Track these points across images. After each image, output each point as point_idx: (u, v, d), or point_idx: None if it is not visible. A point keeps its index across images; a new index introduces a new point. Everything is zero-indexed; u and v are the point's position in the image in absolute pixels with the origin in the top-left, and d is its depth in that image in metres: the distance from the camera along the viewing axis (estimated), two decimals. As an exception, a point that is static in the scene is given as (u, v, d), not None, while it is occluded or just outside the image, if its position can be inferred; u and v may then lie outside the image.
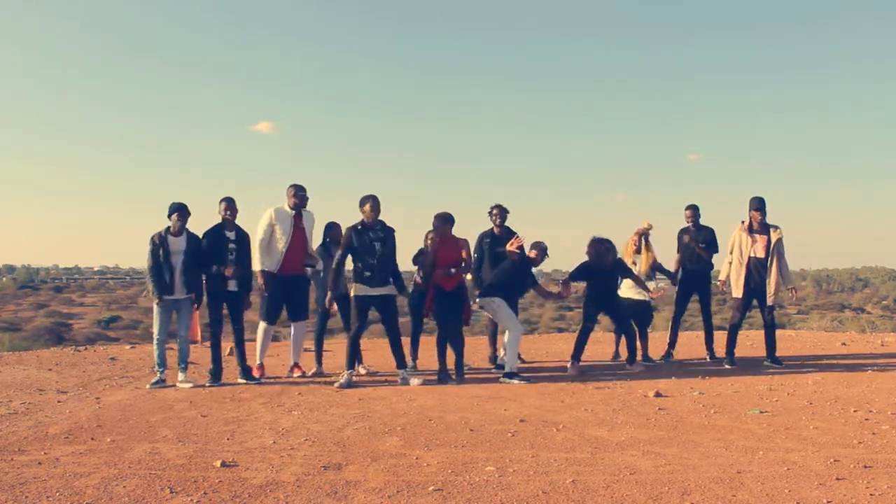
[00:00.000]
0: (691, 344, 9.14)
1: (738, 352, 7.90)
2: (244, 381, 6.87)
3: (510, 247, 6.97)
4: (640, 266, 7.80)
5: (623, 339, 7.80)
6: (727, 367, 7.55)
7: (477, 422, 5.06)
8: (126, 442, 4.57)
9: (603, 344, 9.45)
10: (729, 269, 7.71)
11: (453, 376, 6.86)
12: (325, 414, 5.39)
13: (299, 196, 7.09)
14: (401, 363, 6.83)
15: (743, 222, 7.61)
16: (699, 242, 8.01)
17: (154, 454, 4.26)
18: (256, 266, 6.95)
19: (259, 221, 7.04)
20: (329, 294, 6.75)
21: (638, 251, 7.84)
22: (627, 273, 7.53)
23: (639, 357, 7.67)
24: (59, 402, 5.95)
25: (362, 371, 7.50)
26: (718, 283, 8.05)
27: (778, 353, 7.78)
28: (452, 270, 6.79)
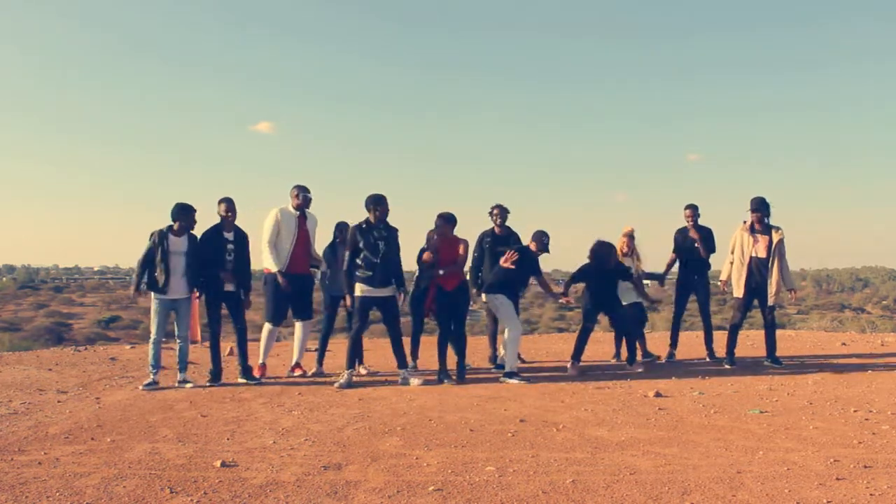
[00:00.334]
0: (691, 344, 9.14)
1: (738, 352, 7.90)
2: (244, 380, 6.87)
3: (504, 263, 6.98)
4: (633, 268, 7.82)
5: (623, 340, 7.82)
6: (727, 367, 7.55)
7: (477, 422, 5.06)
8: (126, 442, 4.57)
9: (603, 344, 9.45)
10: (730, 269, 7.71)
11: (454, 376, 6.86)
12: (326, 414, 5.39)
13: (302, 197, 7.13)
14: (402, 363, 6.83)
15: (745, 222, 7.61)
16: (696, 242, 8.01)
17: (154, 454, 4.26)
18: (272, 266, 6.99)
19: (265, 222, 7.09)
20: (347, 296, 6.69)
21: (626, 254, 7.85)
22: (628, 277, 7.54)
23: (639, 357, 7.68)
24: (59, 402, 5.95)
25: (362, 371, 7.50)
26: (720, 283, 8.05)
27: (778, 353, 7.79)
28: (441, 272, 6.79)
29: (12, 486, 3.67)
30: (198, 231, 6.80)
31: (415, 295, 7.26)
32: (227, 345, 8.65)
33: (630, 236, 7.92)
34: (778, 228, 7.48)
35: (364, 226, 6.64)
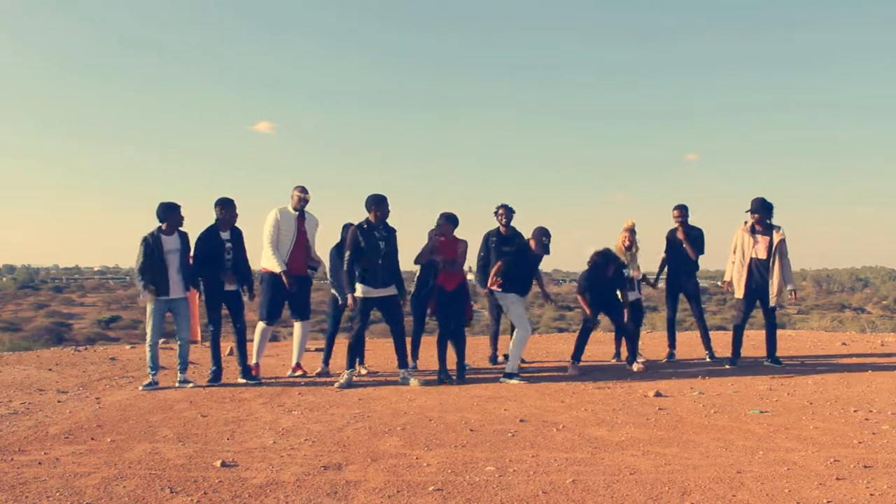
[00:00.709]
0: (691, 344, 9.14)
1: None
2: (244, 380, 6.87)
3: (492, 285, 7.02)
4: (631, 265, 7.83)
5: (623, 340, 7.83)
6: (728, 367, 7.55)
7: (477, 422, 5.06)
8: (126, 442, 4.57)
9: (603, 344, 9.46)
10: (732, 269, 7.71)
11: (454, 376, 6.87)
12: (326, 414, 5.39)
13: (298, 197, 7.18)
14: (402, 363, 6.83)
15: (745, 223, 7.61)
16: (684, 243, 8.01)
17: (154, 454, 4.26)
18: (274, 267, 7.01)
19: (265, 223, 7.11)
20: (350, 296, 6.67)
21: (629, 248, 7.86)
22: (623, 285, 7.56)
23: (624, 355, 7.71)
24: (59, 402, 5.95)
25: (363, 371, 7.51)
26: (722, 284, 8.04)
27: (778, 353, 7.79)
28: (439, 259, 6.81)
29: (12, 486, 3.67)
30: (190, 230, 6.82)
31: (416, 295, 7.26)
32: (228, 345, 8.65)
33: (631, 230, 7.92)
34: (779, 228, 7.47)
35: (365, 226, 6.64)
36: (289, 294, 7.10)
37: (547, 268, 8.44)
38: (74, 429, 4.94)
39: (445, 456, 4.18)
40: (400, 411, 5.46)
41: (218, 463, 4.02)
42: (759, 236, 7.49)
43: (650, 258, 8.21)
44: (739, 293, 7.58)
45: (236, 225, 6.97)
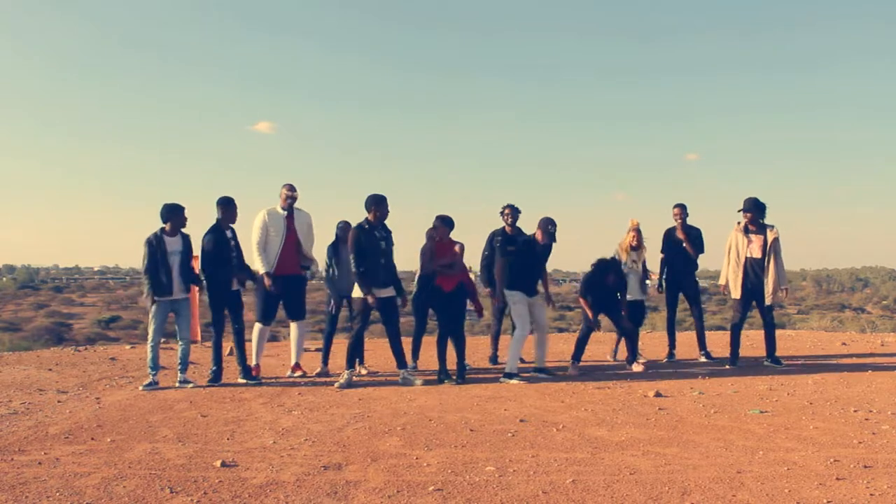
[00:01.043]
0: (691, 344, 9.12)
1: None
2: (244, 381, 6.87)
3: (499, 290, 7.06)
4: (638, 263, 7.82)
5: (623, 340, 7.83)
6: (728, 367, 7.55)
7: (477, 422, 5.06)
8: (126, 442, 4.57)
9: (603, 344, 9.45)
10: (727, 270, 7.70)
11: (454, 376, 6.87)
12: (326, 414, 5.39)
13: (284, 195, 7.17)
14: (401, 363, 6.83)
15: (739, 223, 7.61)
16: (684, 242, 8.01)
17: (154, 454, 4.26)
18: (261, 269, 6.99)
19: (253, 224, 7.09)
20: (370, 296, 6.58)
21: (636, 248, 7.85)
22: (624, 288, 7.54)
23: (623, 355, 7.70)
24: (59, 402, 5.95)
25: (363, 371, 7.51)
26: (719, 285, 8.03)
27: (778, 353, 7.79)
28: (438, 266, 6.81)
29: (12, 486, 3.67)
30: (190, 230, 6.83)
31: (417, 296, 7.26)
32: (228, 345, 8.65)
33: (638, 230, 7.93)
34: (772, 227, 7.47)
35: (366, 226, 6.63)
36: (283, 294, 7.08)
37: (547, 267, 8.37)
38: (74, 429, 4.94)
39: (445, 456, 4.18)
40: (400, 411, 5.46)
41: (218, 463, 4.02)
42: (752, 236, 7.49)
43: (650, 258, 8.21)
44: (736, 294, 7.58)
45: (232, 225, 6.97)
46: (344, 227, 7.42)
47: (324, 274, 7.55)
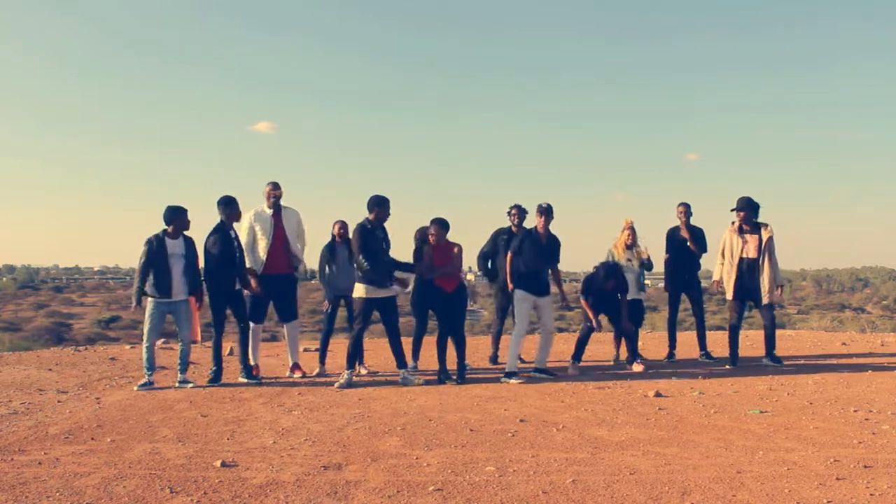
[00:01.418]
0: (691, 344, 9.12)
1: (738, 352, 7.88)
2: (245, 380, 6.87)
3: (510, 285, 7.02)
4: (634, 262, 7.82)
5: (623, 340, 7.83)
6: (728, 367, 7.55)
7: (477, 422, 5.06)
8: (126, 442, 4.57)
9: (603, 344, 9.46)
10: (721, 270, 7.68)
11: (454, 376, 6.87)
12: (326, 414, 5.39)
13: (269, 194, 7.14)
14: (401, 363, 6.83)
15: (733, 223, 7.60)
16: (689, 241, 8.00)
17: (154, 454, 4.26)
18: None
19: (241, 226, 7.08)
20: (393, 285, 6.60)
21: (630, 247, 7.85)
22: (624, 290, 7.54)
23: (623, 355, 7.70)
24: (59, 402, 5.95)
25: (363, 371, 7.50)
26: (712, 284, 8.03)
27: (778, 353, 7.78)
28: (437, 272, 6.82)
29: (12, 486, 3.67)
30: (197, 231, 6.83)
31: (416, 295, 7.25)
32: (228, 344, 8.65)
33: (632, 228, 7.93)
34: (766, 226, 7.45)
35: (368, 226, 6.62)
36: (273, 294, 7.06)
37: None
38: (74, 429, 4.94)
39: (445, 456, 4.18)
40: (400, 411, 5.46)
41: (218, 463, 4.02)
42: (747, 236, 7.48)
43: (656, 260, 8.20)
44: (730, 294, 7.57)
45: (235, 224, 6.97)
46: (343, 226, 7.42)
47: (319, 273, 7.55)
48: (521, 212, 7.70)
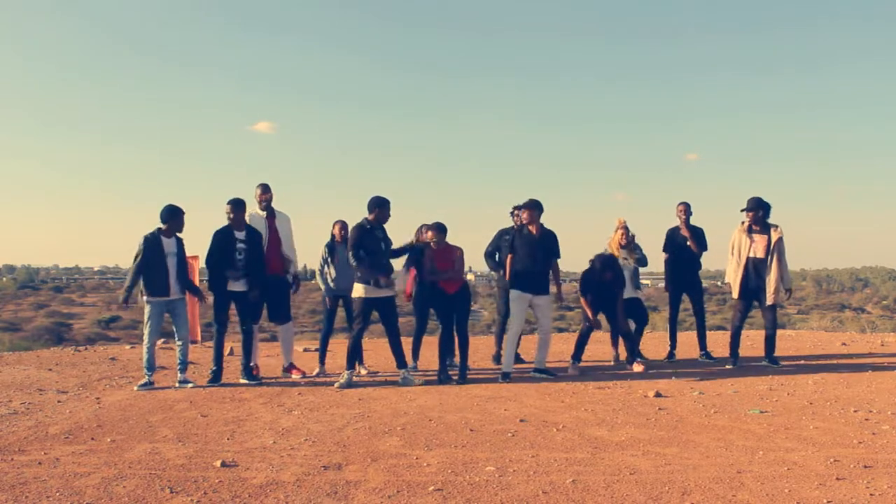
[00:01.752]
0: (692, 344, 9.12)
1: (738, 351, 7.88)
2: (245, 380, 6.86)
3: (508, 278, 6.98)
4: (630, 261, 7.82)
5: (622, 340, 7.82)
6: (728, 367, 7.55)
7: (477, 422, 5.06)
8: (126, 442, 4.57)
9: (603, 344, 9.45)
10: (730, 269, 7.70)
11: (454, 376, 6.87)
12: (326, 414, 5.39)
13: (260, 197, 7.14)
14: (401, 363, 6.83)
15: (743, 223, 7.60)
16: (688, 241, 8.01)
17: (154, 454, 4.26)
18: None
19: None
20: (381, 278, 6.57)
21: (625, 246, 7.83)
22: (621, 286, 7.53)
23: (623, 356, 7.70)
24: (59, 402, 5.95)
25: (363, 371, 7.50)
26: (726, 283, 8.02)
27: (778, 353, 7.78)
28: (439, 275, 6.83)
29: (12, 486, 3.67)
30: (191, 230, 6.84)
31: (418, 295, 7.25)
32: (228, 344, 8.65)
33: (626, 227, 7.92)
34: (776, 227, 7.45)
35: (367, 226, 6.63)
36: (267, 295, 7.06)
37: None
38: (74, 429, 4.94)
39: (445, 456, 4.18)
40: (400, 411, 5.46)
41: (218, 463, 4.02)
42: (756, 236, 7.48)
43: (652, 259, 8.20)
44: (735, 293, 7.58)
45: (254, 227, 6.93)
46: (343, 226, 7.43)
47: (318, 273, 7.55)
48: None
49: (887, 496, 3.39)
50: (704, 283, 8.82)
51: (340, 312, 7.60)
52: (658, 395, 5.97)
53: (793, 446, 4.30)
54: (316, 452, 4.28)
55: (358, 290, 6.64)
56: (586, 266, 7.62)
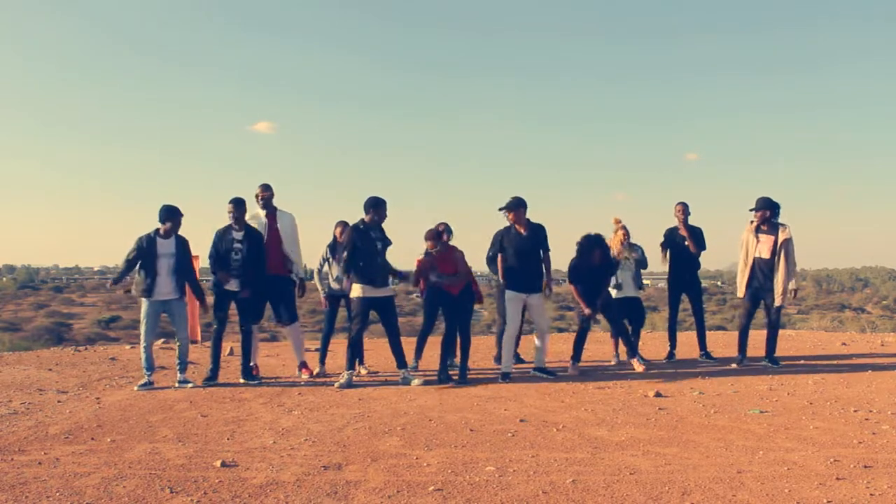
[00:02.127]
0: (692, 344, 9.12)
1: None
2: (245, 381, 6.86)
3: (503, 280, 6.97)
4: (631, 260, 7.80)
5: (621, 340, 7.82)
6: (734, 366, 7.54)
7: (477, 422, 5.06)
8: (126, 442, 4.57)
9: (603, 344, 9.45)
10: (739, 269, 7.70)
11: (454, 376, 6.87)
12: (326, 414, 5.39)
13: (259, 196, 7.13)
14: (401, 363, 6.83)
15: (752, 222, 7.60)
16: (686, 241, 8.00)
17: (154, 454, 4.26)
18: None
19: None
20: (359, 286, 6.59)
21: (625, 244, 7.81)
22: (614, 272, 7.47)
23: (623, 356, 7.68)
24: (59, 402, 5.95)
25: (363, 371, 7.50)
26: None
27: (778, 353, 7.77)
28: (442, 280, 6.83)
29: (12, 486, 3.67)
30: (191, 230, 6.83)
31: (428, 295, 7.23)
32: (228, 345, 8.65)
33: (624, 227, 7.91)
34: (784, 227, 7.43)
35: (361, 227, 6.64)
36: (269, 295, 7.05)
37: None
38: (74, 429, 4.94)
39: (445, 456, 4.18)
40: (400, 411, 5.46)
41: (218, 463, 4.02)
42: (762, 235, 7.47)
43: (651, 259, 8.19)
44: (741, 292, 7.59)
45: (254, 227, 6.91)
46: (342, 226, 7.43)
47: (316, 272, 7.55)
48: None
49: (887, 496, 3.39)
50: (704, 283, 8.81)
51: (341, 312, 7.60)
52: (658, 395, 5.97)
53: (793, 446, 4.30)
54: (316, 452, 4.28)
55: (355, 290, 6.65)
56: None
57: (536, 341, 7.23)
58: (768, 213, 7.41)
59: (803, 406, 5.48)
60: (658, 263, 8.33)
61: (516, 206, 6.95)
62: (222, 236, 6.78)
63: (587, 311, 7.36)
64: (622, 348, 8.04)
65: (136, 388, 6.55)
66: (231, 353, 8.67)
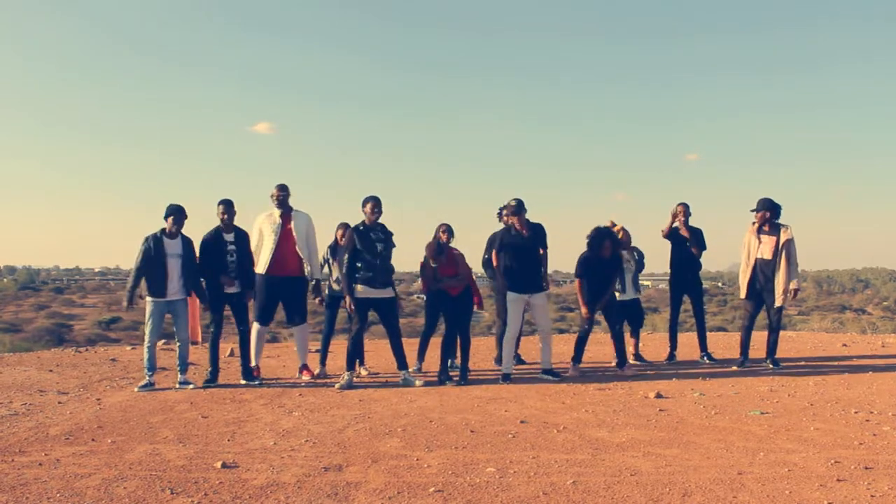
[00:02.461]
0: (692, 345, 9.12)
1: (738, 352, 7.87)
2: (245, 382, 6.86)
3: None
4: (631, 262, 7.80)
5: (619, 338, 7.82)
6: (735, 368, 7.54)
7: (478, 423, 5.06)
8: (127, 443, 4.57)
9: (604, 345, 9.45)
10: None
11: (455, 377, 6.87)
12: (326, 415, 5.39)
13: (274, 195, 7.14)
14: (402, 364, 6.83)
15: (753, 223, 7.60)
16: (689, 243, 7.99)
17: (155, 455, 4.26)
18: (259, 270, 6.99)
19: (252, 228, 7.13)
20: (347, 297, 6.61)
21: (625, 246, 7.81)
22: (620, 270, 7.47)
23: (631, 358, 7.66)
24: (59, 403, 5.95)
25: (363, 372, 7.50)
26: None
27: (778, 355, 7.77)
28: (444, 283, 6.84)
29: (13, 486, 3.68)
30: (197, 232, 6.82)
31: (429, 298, 7.23)
32: (228, 346, 8.65)
33: (624, 229, 7.90)
34: (786, 228, 7.42)
35: (361, 227, 6.64)
36: (282, 296, 7.05)
37: (548, 268, 8.33)
38: (75, 430, 4.94)
39: (446, 457, 4.18)
40: (400, 412, 5.46)
41: (218, 464, 4.02)
42: (763, 236, 7.47)
43: (651, 259, 8.20)
44: (742, 293, 7.59)
45: (241, 227, 6.94)
46: (344, 228, 7.43)
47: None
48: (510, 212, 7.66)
49: (888, 497, 3.39)
50: (705, 284, 8.82)
51: (342, 313, 7.59)
52: (659, 396, 5.97)
53: (793, 447, 4.30)
54: (316, 454, 4.28)
55: (354, 290, 6.65)
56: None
57: (540, 343, 7.22)
58: (769, 214, 7.41)
59: (804, 407, 5.48)
60: (660, 264, 8.34)
61: (518, 211, 6.97)
62: (216, 240, 6.77)
63: (585, 313, 7.35)
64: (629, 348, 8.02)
65: (136, 389, 6.55)
66: (231, 354, 8.67)
